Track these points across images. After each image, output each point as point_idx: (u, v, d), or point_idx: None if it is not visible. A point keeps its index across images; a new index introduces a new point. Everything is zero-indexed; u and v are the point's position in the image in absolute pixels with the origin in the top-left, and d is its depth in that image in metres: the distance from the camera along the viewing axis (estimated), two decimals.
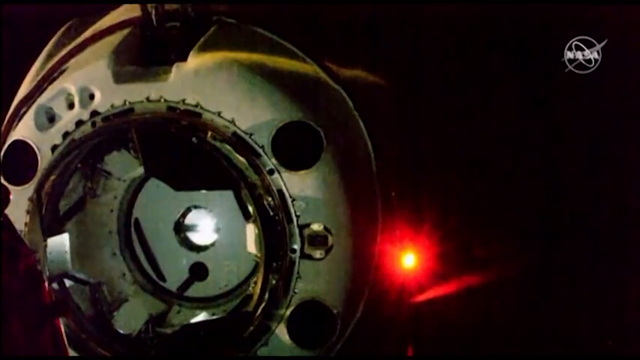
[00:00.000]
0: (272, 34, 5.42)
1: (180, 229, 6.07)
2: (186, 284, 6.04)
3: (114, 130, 5.24)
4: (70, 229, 5.66)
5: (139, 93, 5.20)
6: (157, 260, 6.05)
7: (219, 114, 5.07)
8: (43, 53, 6.10)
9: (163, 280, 6.06)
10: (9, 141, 5.60)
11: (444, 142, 5.65)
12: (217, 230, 6.03)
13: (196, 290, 6.04)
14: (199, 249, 6.08)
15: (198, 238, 6.11)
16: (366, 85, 5.47)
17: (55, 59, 5.81)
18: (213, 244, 6.04)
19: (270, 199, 5.01)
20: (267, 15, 5.55)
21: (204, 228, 6.09)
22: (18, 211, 5.21)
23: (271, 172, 5.02)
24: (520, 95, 6.03)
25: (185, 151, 5.16)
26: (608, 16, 5.61)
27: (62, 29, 6.20)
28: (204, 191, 5.86)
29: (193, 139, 5.01)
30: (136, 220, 6.03)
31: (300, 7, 5.59)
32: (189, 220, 6.08)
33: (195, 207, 6.03)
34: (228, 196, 5.75)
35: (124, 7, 5.79)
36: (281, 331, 5.15)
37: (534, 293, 5.83)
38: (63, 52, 5.80)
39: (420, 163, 5.54)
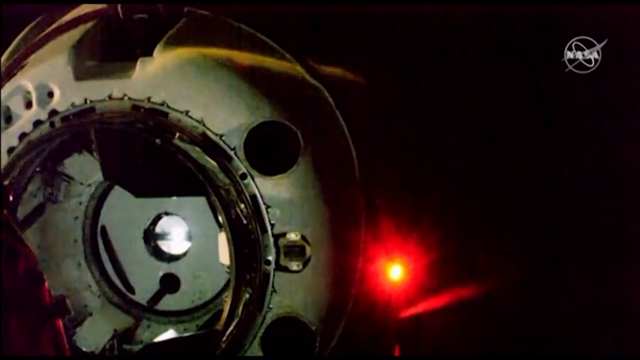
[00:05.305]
0: (247, 27, 5.09)
1: (151, 237, 5.80)
2: (156, 297, 5.77)
3: (73, 131, 4.92)
4: (30, 238, 5.33)
5: (100, 91, 4.87)
6: (126, 271, 5.78)
7: (186, 113, 4.74)
8: (8, 50, 5.76)
9: (132, 292, 5.79)
10: None
11: (436, 145, 5.39)
12: (190, 239, 5.76)
13: (167, 303, 5.77)
14: (171, 259, 5.82)
15: (170, 247, 5.84)
16: (349, 83, 5.17)
17: (16, 55, 5.50)
18: (185, 254, 5.78)
19: (242, 205, 4.68)
20: (244, 9, 5.22)
21: (176, 236, 5.82)
22: None
23: (243, 176, 4.69)
24: (519, 95, 5.82)
25: (152, 153, 4.85)
26: (608, 16, 5.47)
27: (30, 25, 5.86)
28: (175, 197, 5.60)
29: (157, 140, 4.67)
30: (103, 227, 5.76)
31: (280, 2, 5.27)
32: (160, 227, 5.82)
33: (167, 214, 5.75)
34: (201, 202, 5.49)
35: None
36: (255, 349, 4.82)
37: (534, 307, 5.57)
38: (24, 48, 5.49)
39: (409, 168, 5.26)
